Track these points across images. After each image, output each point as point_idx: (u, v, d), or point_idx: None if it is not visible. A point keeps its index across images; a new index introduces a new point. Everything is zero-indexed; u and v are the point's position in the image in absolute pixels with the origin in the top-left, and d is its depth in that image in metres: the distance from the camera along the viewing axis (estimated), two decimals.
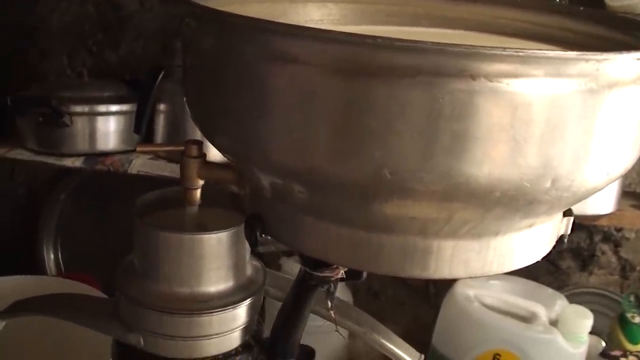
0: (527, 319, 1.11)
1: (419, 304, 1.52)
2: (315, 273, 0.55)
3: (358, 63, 0.36)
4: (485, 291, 1.15)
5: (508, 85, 0.35)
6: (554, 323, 1.11)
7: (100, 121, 1.21)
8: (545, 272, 1.44)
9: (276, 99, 0.39)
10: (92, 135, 1.21)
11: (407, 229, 0.42)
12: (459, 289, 1.16)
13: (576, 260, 1.45)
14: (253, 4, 0.56)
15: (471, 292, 1.15)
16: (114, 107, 1.22)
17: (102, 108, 1.21)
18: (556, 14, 0.58)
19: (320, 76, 0.37)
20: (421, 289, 1.52)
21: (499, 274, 0.81)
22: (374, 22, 0.63)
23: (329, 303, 0.58)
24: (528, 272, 1.10)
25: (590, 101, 0.37)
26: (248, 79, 0.40)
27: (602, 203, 1.17)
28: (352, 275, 0.55)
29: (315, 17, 0.61)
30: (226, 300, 0.59)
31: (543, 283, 1.23)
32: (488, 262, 0.44)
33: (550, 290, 1.19)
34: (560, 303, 1.14)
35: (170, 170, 1.18)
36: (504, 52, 0.34)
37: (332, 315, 0.60)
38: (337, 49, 0.36)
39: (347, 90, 0.37)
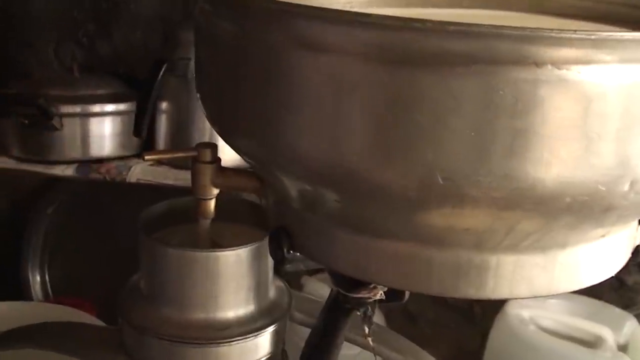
0: (592, 343, 1.09)
1: (463, 328, 1.51)
2: (351, 294, 0.55)
3: (404, 51, 0.36)
4: (541, 312, 1.14)
5: (579, 73, 0.35)
6: (622, 348, 1.10)
7: (94, 123, 1.22)
8: (609, 289, 1.43)
9: (308, 93, 0.39)
10: (84, 139, 1.22)
11: (461, 242, 0.42)
12: (511, 310, 1.15)
13: None
14: None
15: (526, 314, 1.14)
16: (110, 107, 1.23)
17: (96, 108, 1.22)
18: None
19: (360, 67, 0.37)
20: (465, 310, 1.51)
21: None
22: (409, 4, 0.62)
23: (366, 329, 0.58)
24: (589, 289, 1.09)
25: None
26: (275, 72, 0.40)
27: None
28: (392, 297, 0.55)
29: None
30: (247, 328, 0.59)
31: (607, 301, 1.22)
32: (555, 278, 0.44)
33: (617, 310, 1.18)
34: (630, 325, 1.13)
35: (174, 177, 1.19)
36: (574, 35, 0.34)
37: (370, 342, 0.60)
38: (380, 35, 0.36)
39: (392, 82, 0.36)
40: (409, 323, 1.54)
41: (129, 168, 1.23)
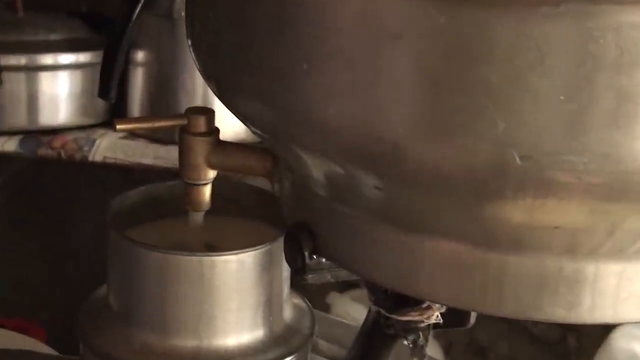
0: None
1: None
2: (395, 316, 0.56)
3: None
4: None
5: None
6: None
7: (45, 79, 1.23)
8: None
9: (338, 40, 0.40)
10: (32, 101, 1.23)
11: (547, 246, 0.42)
12: (618, 342, 1.15)
13: None
14: None
15: (638, 347, 1.14)
16: (67, 57, 1.24)
17: (47, 59, 1.23)
18: None
19: (409, 6, 0.38)
20: (554, 343, 1.51)
21: None
22: None
23: None
24: None
25: None
26: (294, 11, 0.41)
27: None
28: (453, 321, 0.56)
29: None
30: None
31: None
32: None
33: None
34: None
35: (154, 155, 1.20)
36: None
37: None
38: None
39: (451, 26, 0.37)
40: (475, 358, 1.54)
41: (93, 142, 1.24)
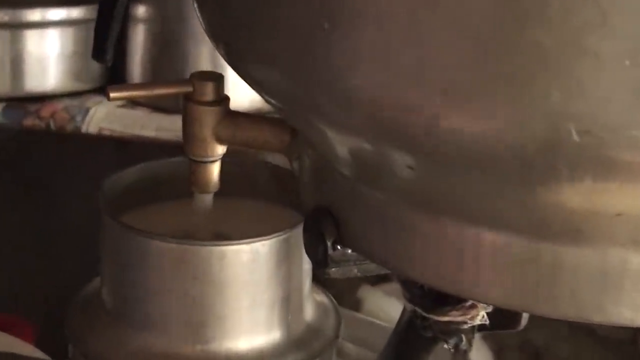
0: None
1: None
2: (434, 316, 0.56)
3: None
4: None
5: None
6: None
7: (32, 39, 1.23)
8: None
9: None
10: (16, 64, 1.24)
11: (608, 236, 0.42)
12: None
13: None
14: None
15: None
16: (56, 13, 1.24)
17: (34, 14, 1.23)
18: None
19: None
20: (623, 344, 1.51)
21: None
22: None
23: None
24: None
25: None
26: None
27: None
28: (502, 322, 0.56)
29: None
30: None
31: None
32: None
33: None
34: None
35: (157, 126, 1.20)
36: None
37: None
38: None
39: None
40: None
41: (87, 111, 1.24)
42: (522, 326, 0.57)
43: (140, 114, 1.23)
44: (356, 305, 1.26)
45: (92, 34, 1.15)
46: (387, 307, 1.21)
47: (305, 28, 0.43)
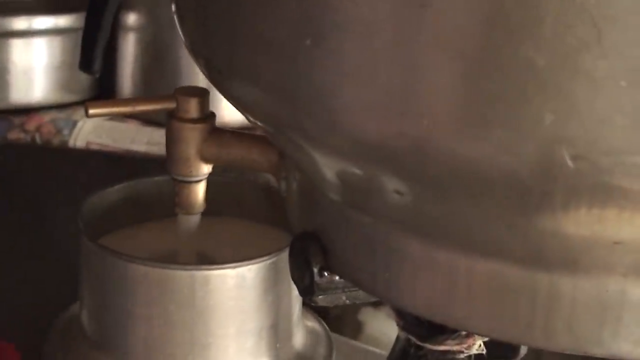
0: None
1: None
2: (429, 345, 0.55)
3: None
4: None
5: None
6: None
7: (17, 48, 1.23)
8: None
9: (350, 11, 0.39)
10: (1, 74, 1.23)
11: (607, 265, 0.41)
12: None
13: None
14: None
15: None
16: (43, 21, 1.23)
17: (20, 23, 1.23)
18: None
19: None
20: None
21: None
22: None
23: None
24: None
25: None
26: None
27: None
28: (499, 350, 0.56)
29: None
30: None
31: None
32: None
33: None
34: None
35: (148, 140, 1.20)
36: None
37: None
38: None
39: None
40: None
41: (74, 124, 1.24)
42: (522, 356, 0.57)
43: (130, 127, 1.23)
44: (357, 328, 1.26)
45: (79, 43, 1.17)
46: (389, 331, 1.20)
47: (287, 44, 0.42)
